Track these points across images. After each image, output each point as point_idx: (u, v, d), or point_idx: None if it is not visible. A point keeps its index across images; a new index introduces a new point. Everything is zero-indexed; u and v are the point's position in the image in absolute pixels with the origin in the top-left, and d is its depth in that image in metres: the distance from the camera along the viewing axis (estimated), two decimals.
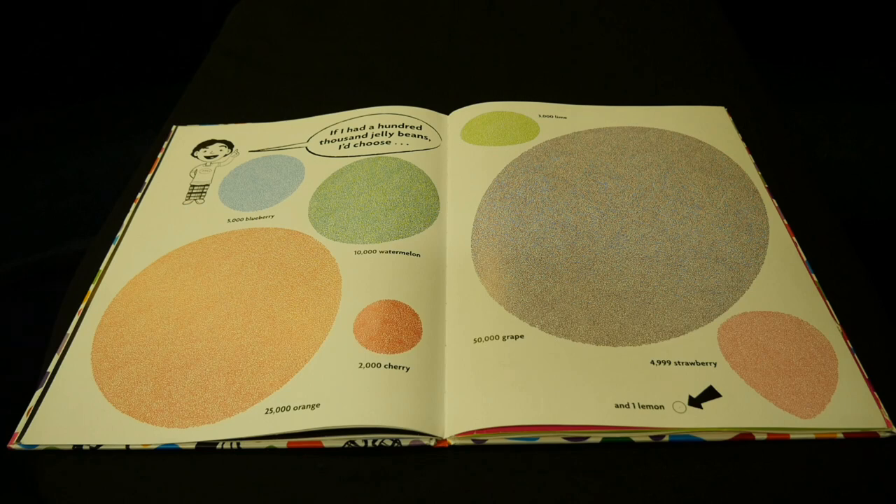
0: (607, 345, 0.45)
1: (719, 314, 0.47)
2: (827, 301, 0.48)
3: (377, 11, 0.85)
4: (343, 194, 0.57)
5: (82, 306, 0.49)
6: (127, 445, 0.41)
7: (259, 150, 0.63)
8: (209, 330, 0.47)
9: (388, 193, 0.57)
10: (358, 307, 0.47)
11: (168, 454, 0.42)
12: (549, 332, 0.46)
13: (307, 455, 0.42)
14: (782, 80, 1.03)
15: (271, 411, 0.42)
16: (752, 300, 0.48)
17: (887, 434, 0.41)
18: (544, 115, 0.65)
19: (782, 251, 0.52)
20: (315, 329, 0.47)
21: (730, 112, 0.65)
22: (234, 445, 0.42)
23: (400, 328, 0.46)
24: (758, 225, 0.54)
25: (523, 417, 0.41)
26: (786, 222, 0.54)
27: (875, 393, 0.43)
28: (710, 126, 0.64)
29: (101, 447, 0.42)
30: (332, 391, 0.42)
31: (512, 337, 0.46)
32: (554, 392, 0.42)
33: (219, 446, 0.42)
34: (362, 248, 0.52)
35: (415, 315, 0.47)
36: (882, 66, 1.08)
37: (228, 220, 0.56)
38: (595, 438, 0.41)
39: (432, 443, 0.41)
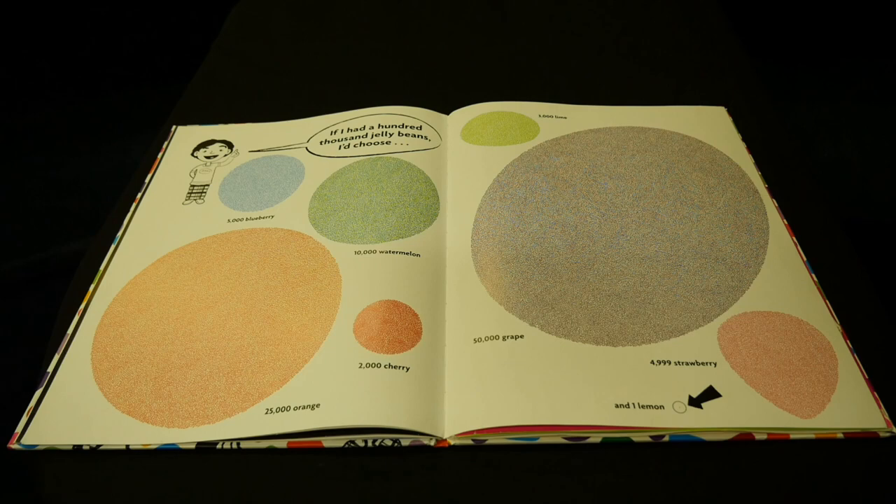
0: (607, 345, 0.45)
1: (719, 314, 0.47)
2: (827, 301, 0.48)
3: (377, 11, 0.85)
4: (343, 194, 0.57)
5: (82, 306, 0.49)
6: (127, 445, 0.41)
7: (259, 150, 0.63)
8: (209, 330, 0.47)
9: (388, 193, 0.57)
10: (358, 307, 0.47)
11: (168, 454, 0.41)
12: (549, 332, 0.46)
13: (307, 455, 0.42)
14: (782, 80, 1.03)
15: (271, 411, 0.42)
16: (752, 300, 0.48)
17: (887, 434, 0.41)
18: (544, 115, 0.65)
19: (782, 251, 0.52)
20: (315, 329, 0.47)
21: (730, 112, 0.65)
22: (234, 445, 0.42)
23: (400, 328, 0.46)
24: (758, 225, 0.54)
25: (523, 417, 0.41)
26: (786, 222, 0.54)
27: (875, 393, 0.43)
28: (710, 126, 0.64)
29: (101, 447, 0.42)
30: (332, 391, 0.42)
31: (512, 337, 0.46)
32: (554, 392, 0.42)
33: (219, 446, 0.42)
34: (362, 248, 0.52)
35: (415, 315, 0.47)
36: (882, 66, 1.08)
37: (228, 220, 0.56)
38: (595, 438, 0.41)
39: (432, 443, 0.41)
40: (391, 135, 0.62)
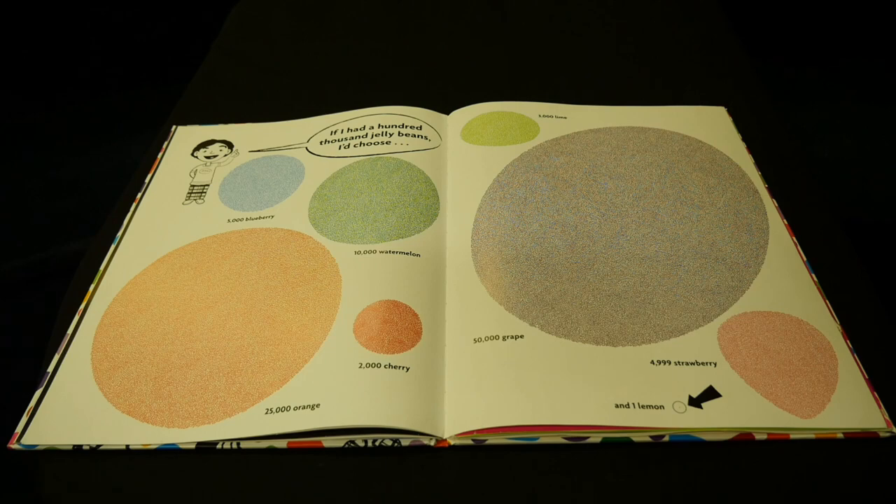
0: (607, 345, 0.45)
1: (719, 314, 0.47)
2: (827, 301, 0.48)
3: (377, 11, 0.85)
4: (343, 194, 0.57)
5: (82, 306, 0.49)
6: (127, 445, 0.41)
7: (259, 150, 0.63)
8: (209, 330, 0.47)
9: (388, 193, 0.57)
10: (358, 307, 0.47)
11: (168, 454, 0.41)
12: (549, 332, 0.46)
13: (307, 455, 0.42)
14: (782, 80, 1.03)
15: (271, 411, 0.42)
16: (752, 300, 0.48)
17: (887, 434, 0.41)
18: (544, 115, 0.65)
19: (782, 251, 0.52)
20: (315, 329, 0.47)
21: (730, 112, 0.65)
22: (234, 445, 0.42)
23: (400, 328, 0.46)
24: (758, 225, 0.54)
25: (523, 417, 0.41)
26: (786, 222, 0.54)
27: (875, 393, 0.43)
28: (710, 126, 0.64)
29: (101, 447, 0.42)
30: (332, 391, 0.42)
31: (512, 337, 0.46)
32: (554, 392, 0.42)
33: (219, 446, 0.42)
34: (362, 248, 0.52)
35: (415, 315, 0.47)
36: (882, 66, 1.08)
37: (228, 220, 0.56)
38: (595, 438, 0.41)
39: (432, 443, 0.41)
40: (391, 135, 0.62)
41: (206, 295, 0.50)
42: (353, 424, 0.41)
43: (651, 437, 0.41)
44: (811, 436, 0.41)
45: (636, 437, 0.41)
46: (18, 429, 0.42)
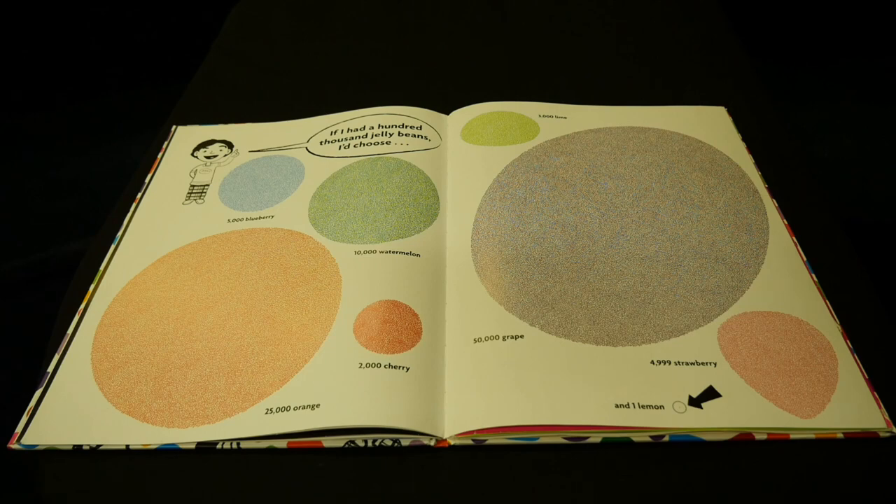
0: (607, 345, 0.45)
1: (719, 314, 0.47)
2: (827, 301, 0.48)
3: (377, 11, 0.85)
4: (343, 194, 0.57)
5: (82, 306, 0.49)
6: (127, 445, 0.41)
7: (259, 151, 0.63)
8: (209, 330, 0.47)
9: (388, 193, 0.57)
10: (358, 307, 0.47)
11: (168, 454, 0.42)
12: (549, 332, 0.46)
13: (307, 455, 0.42)
14: (782, 80, 1.03)
15: (271, 411, 0.42)
16: (752, 300, 0.48)
17: (887, 434, 0.41)
18: (544, 115, 0.65)
19: (782, 251, 0.52)
20: (315, 329, 0.47)
21: (730, 112, 0.65)
22: (234, 445, 0.42)
23: (400, 328, 0.46)
24: (758, 225, 0.54)
25: (523, 417, 0.41)
26: (786, 222, 0.54)
27: (875, 393, 0.43)
28: (710, 126, 0.64)
29: (101, 447, 0.42)
30: (332, 391, 0.42)
31: (512, 337, 0.46)
32: (554, 392, 0.42)
33: (219, 446, 0.42)
34: (362, 248, 0.52)
35: (415, 315, 0.47)
36: (882, 66, 1.08)
37: (228, 220, 0.56)
38: (595, 438, 0.41)
39: (432, 443, 0.41)
40: (391, 135, 0.62)
41: (206, 295, 0.50)
42: (353, 424, 0.41)
43: (651, 437, 0.41)
44: (811, 436, 0.41)
45: (636, 437, 0.41)
46: (18, 429, 0.42)
